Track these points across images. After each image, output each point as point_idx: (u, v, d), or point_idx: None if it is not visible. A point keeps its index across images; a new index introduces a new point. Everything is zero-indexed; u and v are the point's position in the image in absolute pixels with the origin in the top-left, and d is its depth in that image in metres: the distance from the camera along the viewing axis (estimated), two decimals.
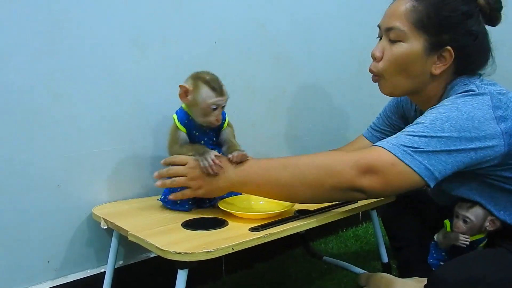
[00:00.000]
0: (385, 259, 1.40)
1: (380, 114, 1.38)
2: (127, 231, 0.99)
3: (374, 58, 1.10)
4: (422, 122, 0.97)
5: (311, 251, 1.63)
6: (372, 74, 1.13)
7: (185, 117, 1.13)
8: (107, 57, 1.20)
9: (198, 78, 1.10)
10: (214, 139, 1.17)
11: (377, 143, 0.98)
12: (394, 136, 0.98)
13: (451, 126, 0.94)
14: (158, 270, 1.31)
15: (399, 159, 0.93)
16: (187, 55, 1.35)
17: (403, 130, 0.99)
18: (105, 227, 1.10)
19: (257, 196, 1.11)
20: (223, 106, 1.11)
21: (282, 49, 1.58)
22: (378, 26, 1.12)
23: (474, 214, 1.06)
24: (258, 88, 1.53)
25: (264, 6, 1.51)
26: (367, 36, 1.83)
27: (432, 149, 0.93)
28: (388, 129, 1.34)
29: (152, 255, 1.31)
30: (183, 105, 1.15)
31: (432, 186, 0.95)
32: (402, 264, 1.34)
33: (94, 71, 1.19)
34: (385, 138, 1.32)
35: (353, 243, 1.71)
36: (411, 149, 0.93)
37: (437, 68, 1.06)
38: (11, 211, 1.10)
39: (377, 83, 1.14)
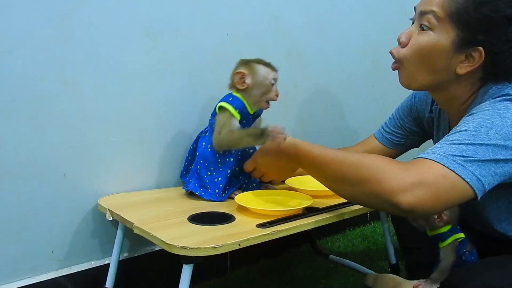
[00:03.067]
0: (393, 260, 1.38)
1: (392, 115, 1.33)
2: (133, 223, 0.98)
3: (399, 42, 1.04)
4: (466, 130, 0.89)
5: (318, 249, 1.61)
6: (393, 61, 1.06)
7: (242, 106, 1.15)
8: (118, 46, 1.19)
9: (248, 62, 1.17)
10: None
11: (421, 155, 0.89)
12: (436, 146, 0.90)
13: (496, 133, 0.87)
14: (163, 263, 1.29)
15: (449, 169, 0.84)
16: (199, 46, 1.33)
17: (445, 139, 0.91)
18: (111, 218, 1.09)
19: (274, 192, 1.18)
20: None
21: (295, 43, 1.56)
22: (414, 8, 1.05)
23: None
24: None
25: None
26: (381, 35, 1.81)
27: (481, 158, 0.86)
28: (399, 131, 1.30)
29: (157, 248, 1.30)
30: (236, 94, 1.16)
31: (479, 198, 0.88)
32: (410, 265, 1.32)
33: (104, 60, 1.17)
34: (395, 141, 1.30)
35: (360, 242, 1.69)
36: (461, 158, 0.85)
37: (463, 68, 0.98)
38: (16, 200, 1.09)
39: (396, 73, 1.08)
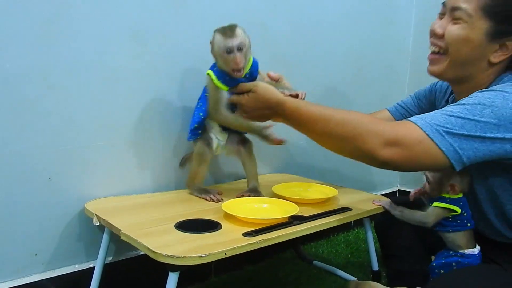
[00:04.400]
0: (376, 267, 1.40)
1: (410, 96, 1.37)
2: (120, 230, 0.98)
3: (434, 33, 1.07)
4: (464, 104, 0.94)
5: (302, 255, 1.62)
6: (431, 52, 1.09)
7: (222, 76, 1.14)
8: (105, 51, 1.18)
9: (216, 30, 1.14)
10: None
11: (411, 118, 0.96)
12: (431, 113, 0.96)
13: (492, 112, 0.91)
14: (147, 268, 1.29)
15: (429, 136, 0.91)
16: (186, 52, 1.33)
17: (442, 109, 0.97)
18: (98, 223, 1.08)
19: (260, 199, 1.18)
20: (240, 49, 1.11)
21: (281, 51, 1.57)
22: (443, 3, 1.08)
23: (432, 175, 1.11)
24: None
25: (265, 7, 1.50)
26: (365, 44, 1.84)
27: (465, 132, 0.91)
28: (413, 109, 1.34)
29: (142, 253, 1.29)
30: (218, 65, 1.15)
31: (457, 169, 0.94)
32: (392, 272, 1.34)
33: (91, 64, 1.17)
34: (407, 116, 1.30)
35: (343, 248, 1.71)
36: (444, 128, 0.91)
37: (497, 57, 1.03)
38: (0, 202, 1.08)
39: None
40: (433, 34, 1.08)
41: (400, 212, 1.16)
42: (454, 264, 1.08)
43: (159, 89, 1.30)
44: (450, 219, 1.09)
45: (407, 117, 1.30)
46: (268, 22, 1.51)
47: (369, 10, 1.82)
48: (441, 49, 1.06)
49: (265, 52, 1.52)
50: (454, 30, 1.03)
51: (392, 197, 1.28)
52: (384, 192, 2.04)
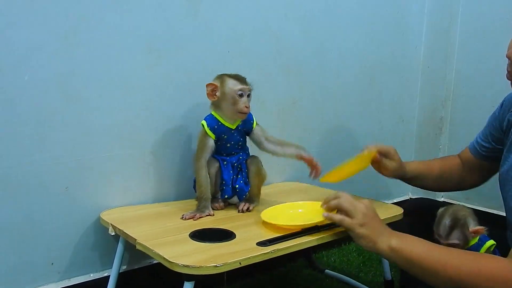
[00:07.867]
0: (389, 276, 1.40)
1: (487, 124, 1.27)
2: (135, 239, 0.99)
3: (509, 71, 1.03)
4: None
5: (314, 263, 1.63)
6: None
7: (214, 123, 1.19)
8: (121, 63, 1.21)
9: (223, 75, 1.20)
10: (240, 142, 1.23)
11: None
12: None
13: None
14: (161, 276, 1.31)
15: None
16: (200, 63, 1.35)
17: None
18: (113, 233, 1.10)
19: (294, 205, 1.18)
20: (249, 95, 1.19)
21: (294, 60, 1.59)
22: (508, 57, 1.02)
23: (455, 237, 1.04)
24: (269, 98, 1.54)
25: (278, 17, 1.52)
26: (377, 53, 1.85)
27: None
28: (486, 139, 1.25)
29: (155, 261, 1.31)
30: (213, 112, 1.20)
31: None
32: (404, 276, 1.33)
33: (107, 75, 1.19)
34: (483, 151, 1.25)
35: (355, 258, 1.71)
36: None
37: None
38: (17, 211, 1.11)
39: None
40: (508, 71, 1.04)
41: None
42: None
43: (174, 99, 1.32)
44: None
45: (483, 153, 1.24)
46: (280, 32, 1.53)
47: (381, 19, 1.83)
48: None
49: (277, 62, 1.54)
50: None
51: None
52: (396, 200, 2.03)
